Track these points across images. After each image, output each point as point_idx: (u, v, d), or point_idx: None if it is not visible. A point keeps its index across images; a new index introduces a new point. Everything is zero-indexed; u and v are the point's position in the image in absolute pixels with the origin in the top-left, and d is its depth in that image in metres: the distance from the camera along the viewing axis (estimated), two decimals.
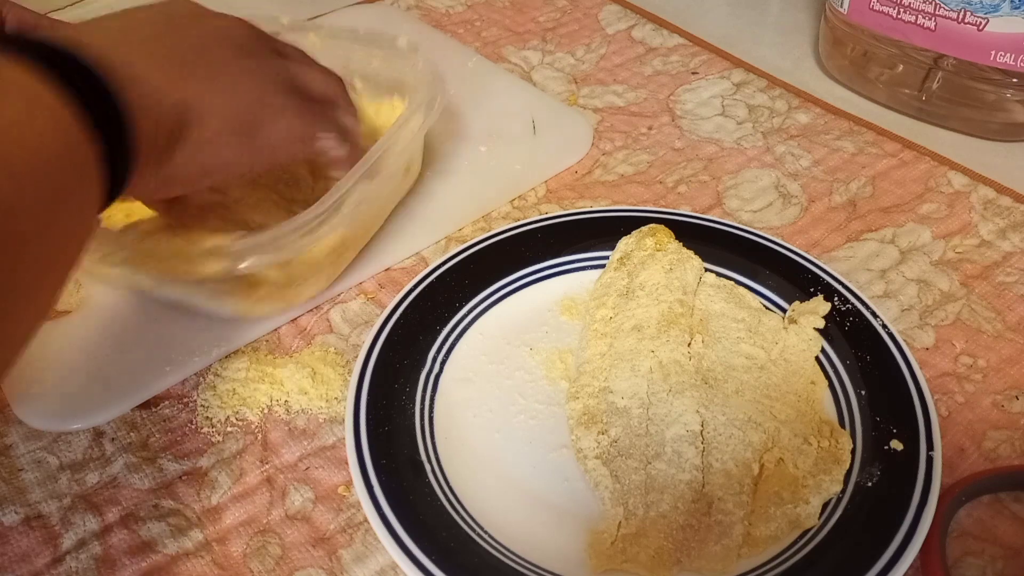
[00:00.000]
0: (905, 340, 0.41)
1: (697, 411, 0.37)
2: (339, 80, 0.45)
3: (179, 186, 0.38)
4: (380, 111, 0.54)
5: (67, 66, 0.28)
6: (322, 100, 0.43)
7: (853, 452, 0.36)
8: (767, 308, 0.43)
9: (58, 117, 0.27)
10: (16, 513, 0.37)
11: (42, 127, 0.26)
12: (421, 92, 0.48)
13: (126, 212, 0.45)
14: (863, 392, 0.39)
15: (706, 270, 0.44)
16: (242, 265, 0.39)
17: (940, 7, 0.52)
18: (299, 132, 0.41)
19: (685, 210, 0.50)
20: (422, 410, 0.39)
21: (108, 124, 0.29)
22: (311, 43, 0.54)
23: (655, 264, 0.43)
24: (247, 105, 0.38)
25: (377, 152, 0.43)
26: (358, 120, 0.45)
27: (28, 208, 0.25)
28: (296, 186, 0.49)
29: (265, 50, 0.41)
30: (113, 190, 0.31)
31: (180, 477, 0.38)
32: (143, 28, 0.35)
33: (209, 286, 0.42)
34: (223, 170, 0.39)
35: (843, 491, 0.35)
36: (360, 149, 0.44)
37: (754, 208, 0.51)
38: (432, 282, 0.44)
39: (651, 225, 0.46)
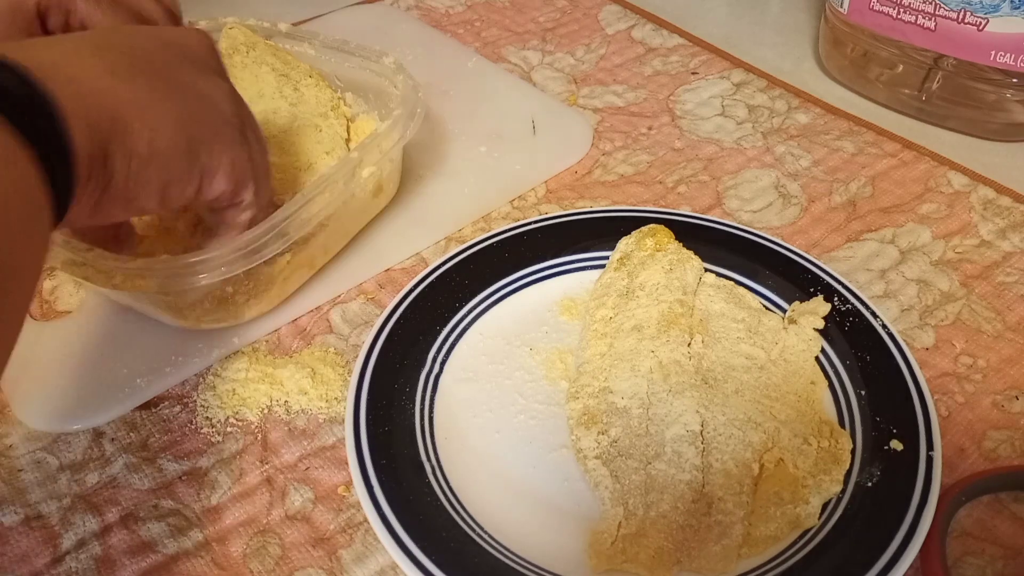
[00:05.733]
0: (905, 340, 0.41)
1: (697, 411, 0.37)
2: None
3: (120, 207, 0.33)
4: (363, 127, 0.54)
5: None
6: (259, 146, 0.39)
7: (853, 452, 0.36)
8: (767, 308, 0.43)
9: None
10: (16, 513, 0.37)
11: None
12: (397, 110, 0.46)
13: None
14: (863, 392, 0.39)
15: (706, 270, 0.44)
16: (200, 280, 0.38)
17: (940, 7, 0.52)
18: (240, 172, 0.37)
19: (685, 210, 0.50)
20: (422, 410, 0.39)
21: (41, 123, 0.27)
22: (306, 53, 0.53)
23: (655, 264, 0.43)
24: (192, 117, 0.34)
25: (341, 169, 0.42)
26: (271, 187, 0.42)
27: None
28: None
29: (219, 69, 0.38)
30: (59, 205, 0.28)
31: (180, 477, 0.38)
32: (94, 38, 0.33)
33: (154, 298, 0.41)
34: (168, 189, 0.34)
35: (843, 491, 0.35)
36: (258, 220, 0.40)
37: (754, 208, 0.51)
38: (432, 282, 0.44)
39: (651, 225, 0.46)
